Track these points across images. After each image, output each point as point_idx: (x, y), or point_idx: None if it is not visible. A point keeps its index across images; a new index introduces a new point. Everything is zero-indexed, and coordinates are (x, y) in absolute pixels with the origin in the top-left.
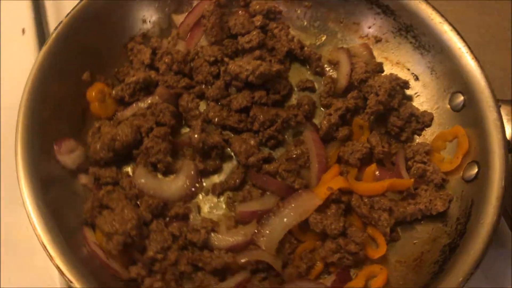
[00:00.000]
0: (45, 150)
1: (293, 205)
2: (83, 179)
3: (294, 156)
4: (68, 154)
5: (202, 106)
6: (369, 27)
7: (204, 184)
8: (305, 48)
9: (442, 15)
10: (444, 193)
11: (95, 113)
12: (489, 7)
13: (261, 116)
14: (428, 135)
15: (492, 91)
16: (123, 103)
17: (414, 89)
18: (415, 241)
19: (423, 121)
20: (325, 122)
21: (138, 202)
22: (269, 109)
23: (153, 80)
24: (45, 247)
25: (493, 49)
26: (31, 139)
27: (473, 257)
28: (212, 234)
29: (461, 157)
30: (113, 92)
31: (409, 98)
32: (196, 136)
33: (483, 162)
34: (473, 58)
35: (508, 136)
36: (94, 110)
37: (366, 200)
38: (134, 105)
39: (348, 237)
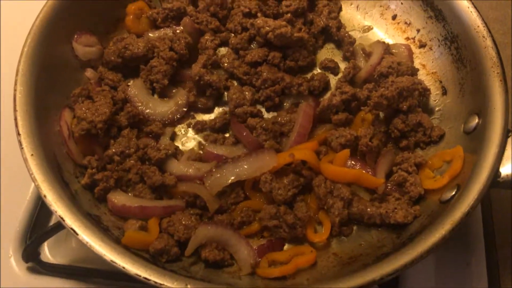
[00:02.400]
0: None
1: (251, 159)
2: (89, 72)
3: (281, 121)
4: (83, 46)
5: (223, 52)
6: (418, 30)
7: (193, 119)
8: (342, 30)
9: (489, 30)
10: (413, 208)
11: (128, 26)
12: None
13: (265, 74)
14: (431, 152)
15: (506, 117)
16: (155, 25)
17: (438, 103)
18: (362, 243)
19: (430, 135)
20: (325, 100)
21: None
22: (278, 71)
23: (187, 13)
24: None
25: None
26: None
27: (391, 267)
28: (171, 159)
29: (448, 178)
30: (149, 12)
31: (430, 111)
32: (196, 68)
33: (463, 186)
34: (501, 81)
35: (510, 171)
36: (128, 23)
37: (328, 183)
38: (162, 29)
39: (293, 209)
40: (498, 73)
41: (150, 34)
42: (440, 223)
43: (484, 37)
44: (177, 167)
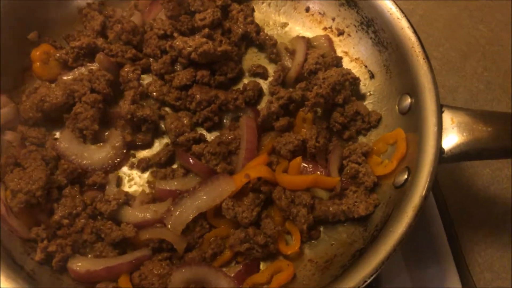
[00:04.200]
0: None
1: (208, 188)
2: (9, 135)
3: (226, 140)
4: None
5: (148, 80)
6: (333, 19)
7: (134, 158)
8: (261, 33)
9: (402, 12)
10: (372, 197)
11: (37, 73)
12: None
13: (198, 96)
14: (373, 136)
15: (437, 95)
16: (67, 67)
17: (369, 87)
18: (332, 243)
19: (369, 121)
20: (264, 109)
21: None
22: (210, 89)
23: (98, 47)
24: None
25: (478, 59)
26: None
27: (371, 266)
28: (124, 208)
29: (396, 162)
30: (57, 54)
31: (362, 97)
32: (125, 106)
33: (413, 168)
34: (424, 59)
35: (451, 144)
36: (36, 70)
37: (288, 193)
38: (76, 70)
39: (260, 228)
40: (419, 51)
41: (64, 78)
42: (403, 211)
43: (398, 18)
44: (132, 215)
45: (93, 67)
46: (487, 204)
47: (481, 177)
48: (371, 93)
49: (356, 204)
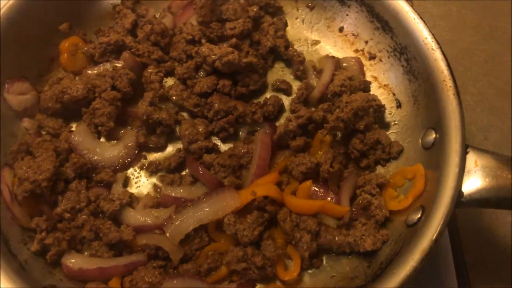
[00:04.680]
0: None
1: (212, 200)
2: (26, 122)
3: (239, 153)
4: (16, 95)
5: (170, 83)
6: (366, 42)
7: (145, 160)
8: (290, 49)
9: (437, 43)
10: (381, 232)
11: (63, 64)
12: None
13: (217, 105)
14: (392, 168)
15: (463, 134)
16: (93, 61)
17: (394, 116)
18: (334, 274)
19: (389, 151)
20: (282, 127)
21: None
22: (229, 100)
23: (126, 45)
24: None
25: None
26: None
27: None
28: (127, 209)
29: (411, 198)
30: (85, 48)
31: (386, 125)
32: (143, 107)
33: (428, 208)
34: (454, 94)
35: (471, 189)
36: (62, 61)
37: (294, 216)
38: (101, 65)
39: (260, 249)
40: (450, 86)
41: (89, 71)
42: (410, 253)
43: (433, 49)
44: (133, 217)
45: (118, 64)
46: (505, 252)
47: (503, 225)
48: (396, 122)
49: (363, 237)
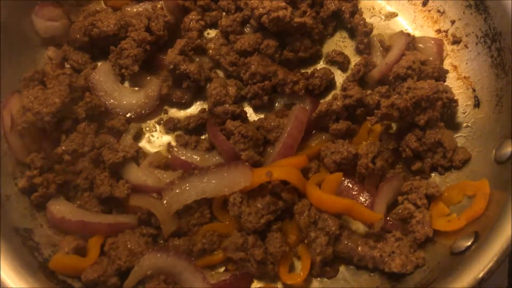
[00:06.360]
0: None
1: (221, 174)
2: (51, 51)
3: (267, 126)
4: (45, 20)
5: (212, 35)
6: (453, 22)
7: (165, 114)
8: (357, 16)
9: None
10: (417, 254)
11: None
12: None
13: (254, 66)
14: (450, 179)
15: None
16: None
17: (468, 117)
18: None
19: (452, 158)
20: (324, 104)
21: None
22: (271, 64)
23: None
24: None
25: None
26: None
27: None
28: (130, 164)
29: (465, 220)
30: None
31: (455, 126)
32: (171, 55)
33: (483, 237)
34: None
35: None
36: None
37: (313, 211)
38: (142, 3)
39: (265, 241)
40: None
41: (128, 9)
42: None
43: None
44: (135, 174)
45: (158, 5)
46: None
47: None
48: (469, 125)
49: (393, 254)
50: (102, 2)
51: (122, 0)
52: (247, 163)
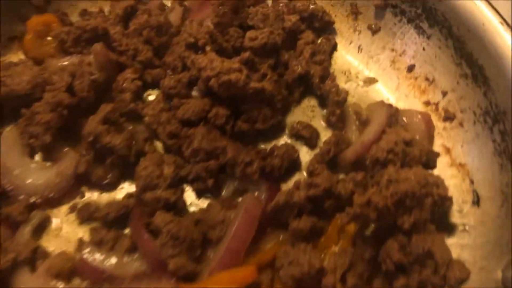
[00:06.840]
0: None
1: None
2: None
3: (210, 220)
4: None
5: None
6: (445, 94)
7: (82, 198)
8: (328, 82)
9: None
10: None
11: (26, 47)
12: None
13: (197, 141)
14: None
15: None
16: (64, 50)
17: (466, 217)
18: None
19: (446, 275)
20: (282, 195)
21: None
22: (220, 138)
23: (109, 35)
24: None
25: None
26: None
27: None
28: (22, 269)
29: None
30: (57, 31)
31: (450, 229)
32: (92, 123)
33: None
34: None
35: None
36: (26, 43)
37: None
38: (70, 57)
39: None
40: None
41: (52, 62)
42: None
43: None
44: (25, 284)
45: (86, 59)
46: None
47: None
48: (466, 228)
49: None
50: (22, 53)
51: (48, 52)
52: (173, 278)
